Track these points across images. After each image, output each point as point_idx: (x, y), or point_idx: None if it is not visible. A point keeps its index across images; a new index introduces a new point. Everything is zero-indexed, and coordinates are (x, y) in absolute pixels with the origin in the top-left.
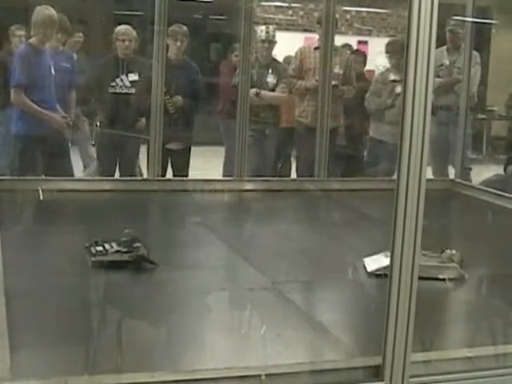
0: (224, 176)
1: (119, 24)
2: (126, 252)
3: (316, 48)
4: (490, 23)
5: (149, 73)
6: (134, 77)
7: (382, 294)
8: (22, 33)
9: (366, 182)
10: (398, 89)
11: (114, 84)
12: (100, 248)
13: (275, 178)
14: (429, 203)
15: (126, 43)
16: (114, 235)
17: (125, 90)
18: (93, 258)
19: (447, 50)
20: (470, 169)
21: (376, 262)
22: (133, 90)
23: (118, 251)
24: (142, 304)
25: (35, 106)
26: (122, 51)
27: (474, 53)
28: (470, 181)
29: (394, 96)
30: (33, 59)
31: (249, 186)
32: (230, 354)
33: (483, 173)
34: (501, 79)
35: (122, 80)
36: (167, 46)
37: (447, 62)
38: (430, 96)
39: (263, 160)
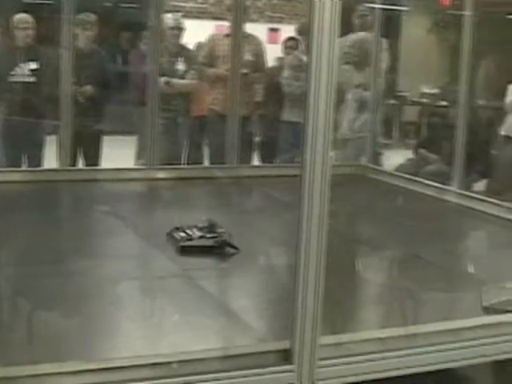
0: (136, 165)
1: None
2: (210, 237)
3: (227, 35)
4: (400, 10)
5: (50, 61)
6: (33, 65)
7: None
8: None
9: (277, 168)
10: None
11: (13, 73)
12: (184, 234)
13: (187, 166)
14: (338, 188)
15: (26, 32)
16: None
17: (25, 79)
18: (181, 244)
19: None
20: (382, 154)
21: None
22: (32, 79)
23: (202, 237)
24: (53, 294)
25: None
26: (21, 40)
27: (382, 39)
28: (381, 165)
29: None
30: None
31: (160, 175)
32: (142, 342)
33: (394, 158)
34: (411, 65)
35: (21, 68)
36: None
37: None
38: (335, 80)
39: (175, 148)
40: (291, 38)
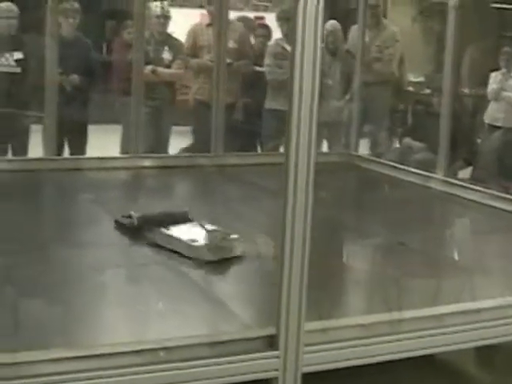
0: (121, 153)
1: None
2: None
3: (209, 25)
4: None
5: (35, 51)
6: (18, 55)
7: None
8: None
9: (262, 156)
10: None
11: None
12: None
13: (171, 155)
14: (324, 177)
15: (9, 21)
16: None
17: (10, 69)
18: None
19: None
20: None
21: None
22: (17, 69)
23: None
24: (39, 282)
25: None
26: (5, 29)
27: (393, 29)
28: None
29: None
30: None
31: (145, 163)
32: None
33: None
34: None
35: (5, 58)
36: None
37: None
38: (319, 68)
39: (160, 137)
40: (263, 26)
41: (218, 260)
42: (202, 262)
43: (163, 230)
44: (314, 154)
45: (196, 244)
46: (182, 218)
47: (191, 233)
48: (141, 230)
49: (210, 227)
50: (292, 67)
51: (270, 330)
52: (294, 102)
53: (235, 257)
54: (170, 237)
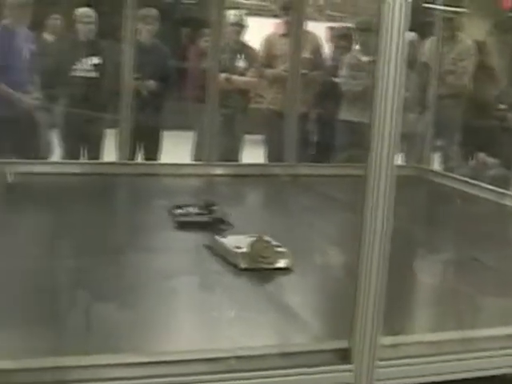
0: (193, 160)
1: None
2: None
3: (283, 34)
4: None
5: (112, 56)
6: (95, 60)
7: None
8: None
9: (335, 168)
10: None
11: (75, 67)
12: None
13: (243, 163)
14: (397, 190)
15: (88, 26)
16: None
17: (87, 74)
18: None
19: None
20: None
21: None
22: (94, 74)
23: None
24: (112, 285)
25: (4, 87)
26: (84, 34)
27: (469, 43)
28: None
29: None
30: (5, 41)
31: (217, 171)
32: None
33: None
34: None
35: (83, 63)
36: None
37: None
38: (403, 80)
39: (232, 145)
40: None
41: (254, 269)
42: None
43: (218, 237)
44: (394, 167)
45: (236, 250)
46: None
47: (240, 241)
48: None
49: (260, 237)
50: (375, 79)
51: (344, 343)
52: (376, 114)
53: (279, 269)
54: (220, 242)
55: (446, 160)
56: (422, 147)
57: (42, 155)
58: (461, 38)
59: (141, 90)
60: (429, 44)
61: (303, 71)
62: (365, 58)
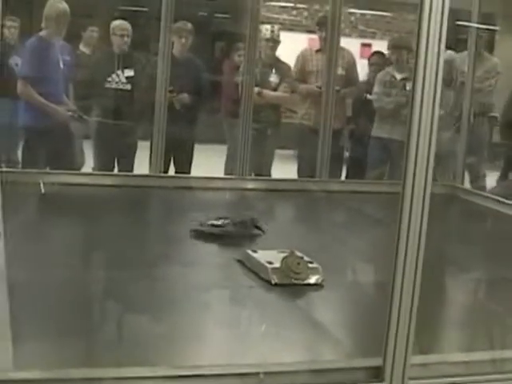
0: (225, 174)
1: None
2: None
3: (318, 50)
4: (494, 30)
5: (146, 69)
6: (129, 72)
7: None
8: (15, 24)
9: (367, 185)
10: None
11: (109, 79)
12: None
13: (275, 178)
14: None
15: (124, 38)
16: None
17: (120, 86)
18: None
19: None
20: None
21: None
22: (128, 86)
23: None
24: (144, 298)
25: (40, 98)
26: (119, 46)
27: (496, 60)
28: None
29: (406, 94)
30: (42, 52)
31: (249, 185)
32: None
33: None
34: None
35: (117, 75)
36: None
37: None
38: (438, 97)
39: (264, 159)
40: (377, 53)
41: (286, 284)
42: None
43: (250, 251)
44: (429, 186)
45: (268, 265)
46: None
47: (272, 256)
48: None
49: (292, 253)
50: (412, 97)
51: (376, 361)
52: (413, 133)
53: (311, 284)
54: (252, 257)
55: (475, 178)
56: (454, 165)
57: (75, 166)
58: (486, 56)
59: (174, 103)
60: (458, 61)
61: (337, 88)
62: (398, 76)
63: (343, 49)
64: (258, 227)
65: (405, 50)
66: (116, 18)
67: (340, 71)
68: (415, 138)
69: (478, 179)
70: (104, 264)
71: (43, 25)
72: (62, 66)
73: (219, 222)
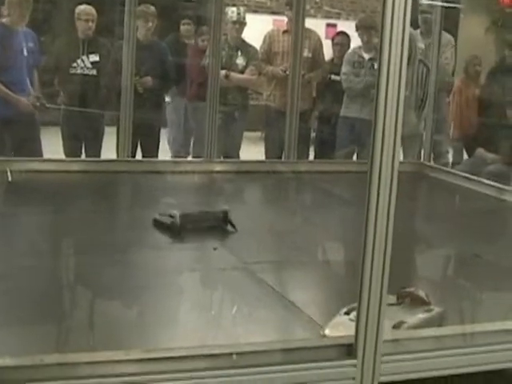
0: (193, 157)
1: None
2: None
3: (285, 31)
4: (458, 8)
5: (111, 53)
6: (94, 58)
7: (354, 275)
8: None
9: (335, 164)
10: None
11: (75, 65)
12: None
13: (243, 160)
14: (399, 186)
15: (88, 23)
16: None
17: (86, 71)
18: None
19: (421, 33)
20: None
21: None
22: (94, 72)
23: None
24: (116, 284)
25: (2, 88)
26: (83, 31)
27: (449, 37)
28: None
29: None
30: (5, 40)
31: (217, 168)
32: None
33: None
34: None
35: (82, 61)
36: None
37: (423, 46)
38: (404, 77)
39: (231, 142)
40: (341, 33)
41: None
42: None
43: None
44: (397, 163)
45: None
46: (221, 217)
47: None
48: (181, 229)
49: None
50: (378, 76)
51: (348, 339)
52: (380, 111)
53: None
54: None
55: (440, 155)
56: (421, 143)
57: (39, 154)
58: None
59: (137, 86)
60: (417, 37)
61: (302, 72)
62: (367, 56)
63: (310, 30)
64: (230, 223)
65: (373, 30)
66: (81, 3)
67: (306, 53)
68: (382, 117)
69: (441, 156)
70: (70, 250)
71: (5, 11)
72: (25, 53)
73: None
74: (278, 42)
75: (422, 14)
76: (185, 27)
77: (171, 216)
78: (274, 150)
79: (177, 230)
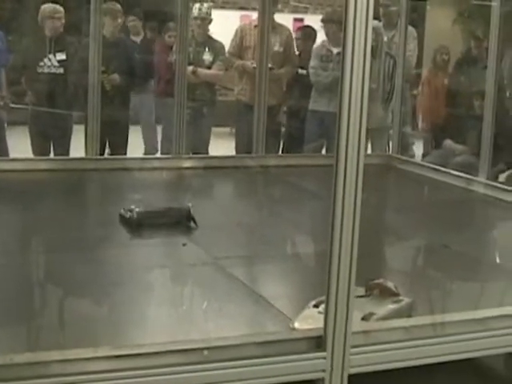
0: (162, 154)
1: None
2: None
3: (256, 26)
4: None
5: (78, 51)
6: (61, 56)
7: (323, 268)
8: None
9: (304, 158)
10: None
11: (41, 64)
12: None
13: (212, 155)
14: (366, 178)
15: (55, 22)
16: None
17: (53, 70)
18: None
19: (383, 26)
20: (413, 143)
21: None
22: (61, 70)
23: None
24: (86, 281)
25: None
26: (50, 30)
27: (411, 28)
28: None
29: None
30: None
31: (186, 164)
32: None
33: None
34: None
35: (49, 59)
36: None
37: (385, 38)
38: (368, 70)
39: (200, 137)
40: (305, 27)
41: None
42: None
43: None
44: (363, 156)
45: None
46: (184, 214)
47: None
48: (141, 225)
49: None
50: (342, 69)
51: (317, 331)
52: (344, 104)
53: None
54: None
55: (405, 147)
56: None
57: (5, 154)
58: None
59: (105, 84)
60: (382, 30)
61: (270, 66)
62: (335, 50)
63: (281, 25)
64: (193, 219)
65: (339, 23)
66: (46, 2)
67: (277, 47)
68: (346, 109)
69: (407, 147)
70: (39, 248)
71: None
72: None
73: (145, 210)
74: (250, 36)
75: (383, 7)
76: (131, 24)
77: (130, 211)
78: (244, 144)
79: (134, 225)
